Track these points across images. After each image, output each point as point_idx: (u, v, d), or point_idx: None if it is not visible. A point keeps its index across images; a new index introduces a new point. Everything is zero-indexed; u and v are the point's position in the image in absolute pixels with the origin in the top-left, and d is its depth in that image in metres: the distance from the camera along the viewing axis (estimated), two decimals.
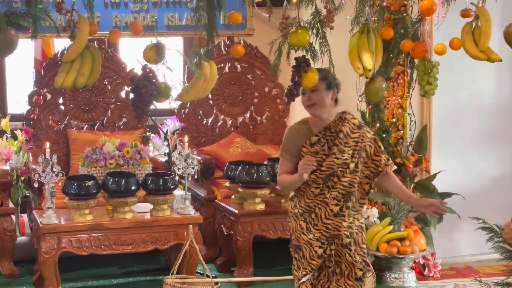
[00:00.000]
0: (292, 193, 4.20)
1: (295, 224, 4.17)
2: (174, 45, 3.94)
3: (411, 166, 6.16)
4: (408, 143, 6.24)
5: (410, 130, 6.28)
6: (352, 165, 4.06)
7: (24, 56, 7.48)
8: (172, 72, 4.05)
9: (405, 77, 5.96)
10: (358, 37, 4.26)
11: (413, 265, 6.12)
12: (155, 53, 3.81)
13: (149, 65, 3.93)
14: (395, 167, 4.22)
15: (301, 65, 3.78)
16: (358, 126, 4.11)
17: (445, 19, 4.61)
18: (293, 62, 3.85)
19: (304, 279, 4.14)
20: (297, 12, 3.87)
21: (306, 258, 4.11)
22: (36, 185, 5.58)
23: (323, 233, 4.08)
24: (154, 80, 3.82)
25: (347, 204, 4.07)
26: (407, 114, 6.23)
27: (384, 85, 4.28)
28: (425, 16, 4.39)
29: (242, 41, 7.04)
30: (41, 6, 3.72)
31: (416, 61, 4.65)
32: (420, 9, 4.27)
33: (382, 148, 4.17)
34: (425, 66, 4.50)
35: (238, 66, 7.15)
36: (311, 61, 3.86)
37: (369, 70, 4.21)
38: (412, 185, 6.23)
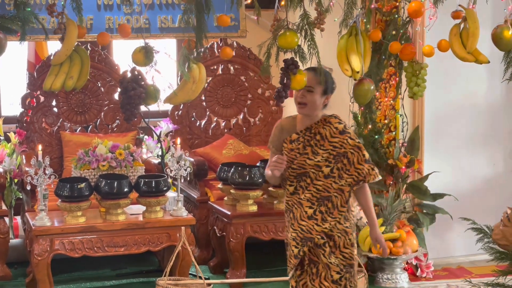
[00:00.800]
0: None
1: (285, 221, 4.26)
2: (163, 47, 3.93)
3: (403, 167, 6.17)
4: (400, 144, 6.26)
5: (402, 131, 6.30)
6: (326, 170, 4.06)
7: (17, 58, 7.50)
8: (160, 74, 4.06)
9: (397, 79, 5.98)
10: (346, 39, 4.27)
11: (406, 266, 6.14)
12: (144, 55, 3.82)
13: (138, 68, 3.95)
14: (379, 177, 4.13)
15: (290, 67, 3.79)
16: (341, 132, 4.08)
17: (437, 20, 4.62)
18: (282, 64, 3.87)
19: (289, 276, 4.21)
20: (288, 14, 3.89)
21: (288, 256, 4.18)
22: (28, 188, 5.59)
23: (298, 234, 4.13)
24: (143, 83, 3.83)
25: (320, 209, 4.08)
26: (399, 115, 6.24)
27: (372, 87, 4.30)
28: (413, 18, 4.41)
29: (235, 43, 7.05)
30: (29, 9, 3.73)
31: (405, 63, 4.67)
32: (408, 11, 4.28)
33: (367, 157, 4.10)
34: (413, 68, 4.52)
35: (231, 68, 7.16)
36: (299, 63, 3.88)
37: (357, 72, 4.22)
38: (405, 186, 6.25)
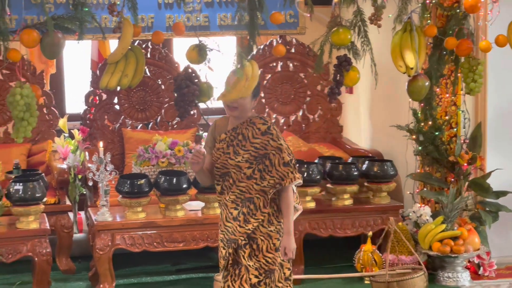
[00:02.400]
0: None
1: None
2: (222, 45, 3.97)
3: (465, 164, 6.08)
4: (462, 141, 6.16)
5: (464, 127, 6.20)
6: (248, 171, 4.03)
7: (81, 57, 7.67)
8: (214, 72, 4.11)
9: (459, 74, 5.88)
10: (400, 35, 4.24)
11: (468, 264, 6.05)
12: (197, 53, 3.87)
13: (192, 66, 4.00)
14: (298, 181, 4.04)
15: (343, 64, 3.79)
16: (263, 133, 4.02)
17: (500, 15, 4.52)
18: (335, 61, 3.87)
19: (221, 277, 4.23)
20: (347, 10, 3.90)
21: (218, 257, 4.22)
22: (90, 184, 5.73)
23: (225, 235, 4.16)
24: (197, 80, 3.88)
25: (243, 210, 4.07)
26: (460, 112, 6.15)
27: (427, 83, 4.25)
28: (469, 13, 4.34)
29: (294, 40, 7.05)
30: (87, 9, 3.81)
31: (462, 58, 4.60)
32: (465, 6, 4.23)
33: (286, 159, 4.01)
34: (470, 64, 4.45)
35: (291, 64, 7.16)
36: (353, 60, 3.87)
37: (411, 68, 4.18)
38: (466, 183, 6.16)
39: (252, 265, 4.06)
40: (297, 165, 4.14)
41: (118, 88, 6.54)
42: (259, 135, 4.01)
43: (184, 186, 5.61)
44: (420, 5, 4.35)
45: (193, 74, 3.90)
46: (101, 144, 5.63)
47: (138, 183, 5.55)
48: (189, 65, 3.99)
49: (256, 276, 4.06)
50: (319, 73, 4.61)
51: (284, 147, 4.01)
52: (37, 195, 5.40)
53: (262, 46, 7.02)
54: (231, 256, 4.14)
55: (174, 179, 5.59)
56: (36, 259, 5.39)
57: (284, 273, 4.15)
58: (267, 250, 4.07)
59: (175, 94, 3.99)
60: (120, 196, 5.62)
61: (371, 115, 7.34)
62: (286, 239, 4.08)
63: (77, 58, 7.80)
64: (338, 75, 3.78)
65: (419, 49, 4.22)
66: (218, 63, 4.78)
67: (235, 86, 3.86)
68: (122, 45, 4.03)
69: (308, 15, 4.05)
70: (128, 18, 4.15)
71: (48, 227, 5.52)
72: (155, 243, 5.60)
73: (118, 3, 4.09)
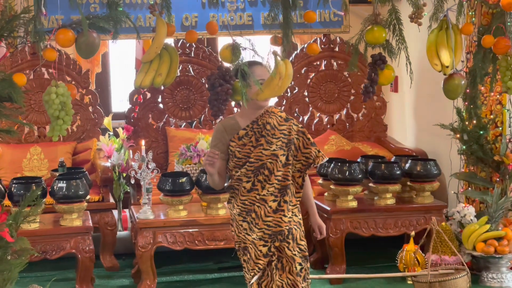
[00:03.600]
0: (228, 195, 4.24)
1: (236, 226, 4.20)
2: (250, 44, 3.98)
3: (510, 164, 5.98)
4: (507, 140, 6.06)
5: (510, 126, 6.09)
6: (283, 158, 4.04)
7: (127, 56, 7.77)
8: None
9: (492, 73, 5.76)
10: (436, 33, 4.18)
11: None
12: (231, 52, 3.89)
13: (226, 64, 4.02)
14: (326, 158, 4.17)
15: (377, 63, 3.77)
16: (285, 119, 4.12)
17: None
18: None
19: (253, 280, 4.14)
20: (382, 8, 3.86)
21: (252, 259, 4.12)
22: (133, 182, 5.78)
23: (265, 232, 4.07)
24: (230, 79, 3.90)
25: (284, 198, 4.07)
26: (506, 110, 6.04)
27: (463, 82, 4.19)
28: (506, 10, 4.26)
29: (338, 39, 7.02)
30: (121, 9, 3.85)
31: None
32: (501, 4, 4.15)
33: (312, 140, 4.14)
34: (507, 62, 4.37)
35: (334, 63, 7.13)
36: (387, 58, 3.84)
37: (447, 67, 4.12)
38: None
39: (297, 254, 4.09)
40: None
41: (162, 87, 6.64)
42: (283, 121, 4.10)
43: (226, 185, 5.62)
44: (456, 3, 4.30)
45: (227, 73, 3.92)
46: (143, 142, 5.69)
47: (180, 181, 5.58)
48: (222, 63, 4.02)
49: (299, 264, 4.10)
50: (353, 72, 4.59)
51: (305, 129, 4.16)
52: (80, 192, 5.47)
53: (305, 45, 7.01)
54: (276, 250, 4.12)
55: None
56: (79, 256, 5.47)
57: None
58: (300, 238, 4.12)
59: (209, 93, 4.02)
60: (162, 194, 5.66)
61: (416, 114, 7.26)
62: (318, 219, 4.30)
63: (122, 57, 7.90)
64: (373, 73, 3.76)
65: (455, 47, 4.15)
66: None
67: (268, 85, 3.87)
68: (156, 45, 4.06)
69: (343, 13, 4.03)
70: (160, 17, 4.18)
71: (91, 225, 5.59)
72: (196, 241, 5.63)
73: (159, 2, 4.13)
